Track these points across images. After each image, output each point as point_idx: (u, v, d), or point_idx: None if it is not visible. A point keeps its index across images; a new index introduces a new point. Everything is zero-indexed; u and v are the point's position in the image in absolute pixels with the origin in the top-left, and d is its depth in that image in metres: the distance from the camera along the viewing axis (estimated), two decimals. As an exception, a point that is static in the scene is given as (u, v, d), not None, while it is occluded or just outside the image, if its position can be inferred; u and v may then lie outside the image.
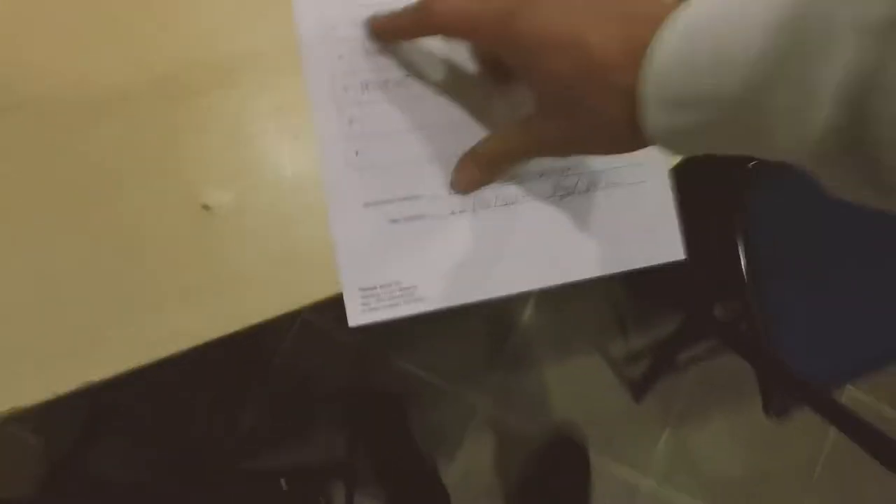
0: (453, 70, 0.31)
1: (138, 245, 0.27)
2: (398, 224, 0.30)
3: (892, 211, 0.21)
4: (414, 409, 0.91)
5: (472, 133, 0.31)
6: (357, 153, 0.30)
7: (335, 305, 0.29)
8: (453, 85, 0.31)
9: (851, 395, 1.02)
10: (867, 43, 0.18)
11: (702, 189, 0.36)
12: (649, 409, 0.97)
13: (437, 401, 0.93)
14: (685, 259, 0.33)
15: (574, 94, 0.25)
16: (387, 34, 0.30)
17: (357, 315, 0.29)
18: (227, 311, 0.27)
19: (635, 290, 1.01)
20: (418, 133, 0.30)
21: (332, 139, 0.29)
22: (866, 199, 0.21)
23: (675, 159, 0.33)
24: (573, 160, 0.32)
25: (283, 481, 0.74)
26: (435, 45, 0.31)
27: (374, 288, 0.29)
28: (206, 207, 0.28)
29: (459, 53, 0.31)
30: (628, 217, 0.33)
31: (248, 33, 0.29)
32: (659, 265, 0.33)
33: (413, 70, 0.31)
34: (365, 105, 0.30)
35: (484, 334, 0.96)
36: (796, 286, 0.66)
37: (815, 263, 0.68)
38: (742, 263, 0.64)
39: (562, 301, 0.97)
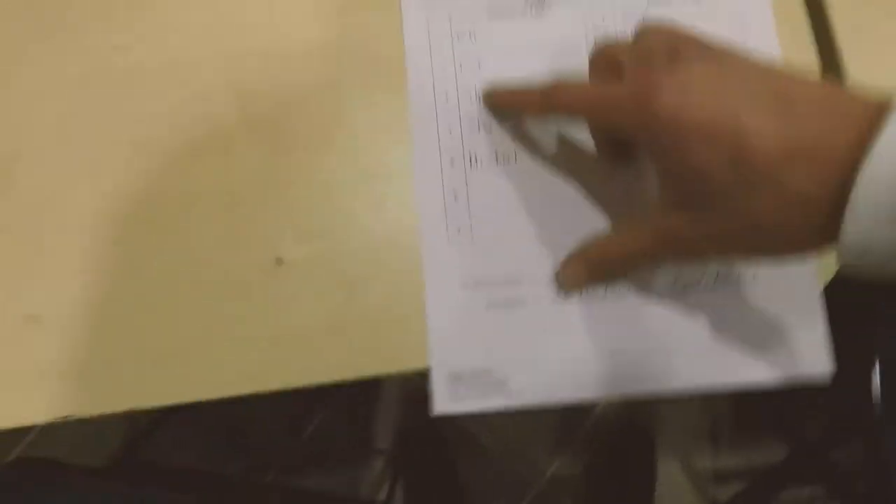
0: (567, 147, 0.29)
1: (211, 286, 0.27)
2: (496, 309, 0.28)
3: None
4: (468, 467, 0.87)
5: (584, 217, 0.28)
6: (459, 230, 0.28)
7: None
8: (567, 163, 0.29)
9: None
10: None
11: (835, 289, 0.29)
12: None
13: (490, 465, 0.88)
14: (831, 374, 0.28)
15: (731, 191, 0.21)
16: (506, 109, 0.29)
17: (444, 402, 0.27)
18: (288, 365, 0.27)
19: (739, 402, 0.89)
20: (525, 213, 0.28)
21: (433, 212, 0.28)
22: None
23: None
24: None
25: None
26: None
27: (465, 375, 0.27)
28: (279, 261, 0.27)
29: (575, 128, 0.29)
30: (763, 320, 0.28)
31: (361, 96, 0.29)
32: (794, 381, 0.28)
33: (525, 145, 0.29)
34: (471, 180, 0.29)
35: (559, 410, 0.90)
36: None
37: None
38: (875, 394, 0.48)
39: (653, 391, 0.89)
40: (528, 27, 0.30)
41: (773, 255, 0.23)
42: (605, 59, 0.26)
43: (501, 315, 0.28)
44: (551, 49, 0.30)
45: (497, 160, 0.29)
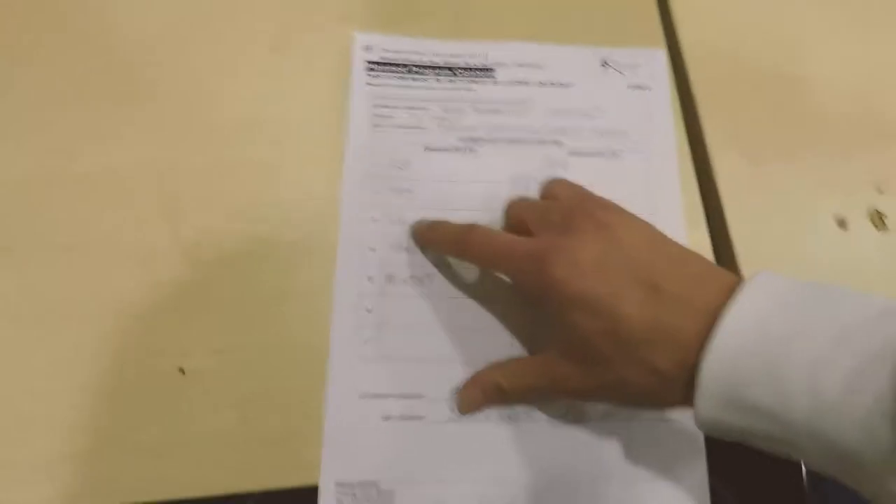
0: (483, 276, 0.31)
1: (114, 391, 0.28)
2: (390, 422, 0.29)
3: None
4: None
5: (490, 342, 0.30)
6: (367, 342, 0.30)
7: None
8: (478, 291, 0.31)
9: None
10: None
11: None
12: None
13: None
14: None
15: (606, 353, 0.25)
16: (427, 244, 0.31)
17: (329, 511, 0.28)
18: (185, 474, 0.27)
19: None
20: (434, 332, 0.30)
21: (345, 323, 0.30)
22: None
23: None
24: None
25: None
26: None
27: (353, 485, 0.28)
28: (181, 371, 0.29)
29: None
30: (647, 456, 0.29)
31: (290, 218, 0.32)
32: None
33: (442, 269, 0.31)
34: (387, 297, 0.31)
35: None
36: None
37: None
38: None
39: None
40: (459, 162, 0.34)
41: (648, 408, 0.27)
42: (515, 216, 0.30)
43: (396, 428, 0.29)
44: (478, 183, 0.33)
45: (412, 282, 0.31)
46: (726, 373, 0.22)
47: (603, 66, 0.36)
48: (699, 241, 0.33)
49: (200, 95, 0.34)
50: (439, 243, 0.31)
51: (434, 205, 0.32)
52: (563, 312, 0.25)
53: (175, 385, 0.29)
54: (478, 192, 0.33)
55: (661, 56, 0.37)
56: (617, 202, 0.33)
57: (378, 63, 0.35)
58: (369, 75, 0.35)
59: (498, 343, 0.30)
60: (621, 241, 0.25)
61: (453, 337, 0.30)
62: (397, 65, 0.35)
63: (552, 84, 0.36)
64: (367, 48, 0.35)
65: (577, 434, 0.29)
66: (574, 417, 0.29)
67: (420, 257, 0.32)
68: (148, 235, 0.31)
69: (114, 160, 0.32)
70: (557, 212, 0.27)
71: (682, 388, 0.23)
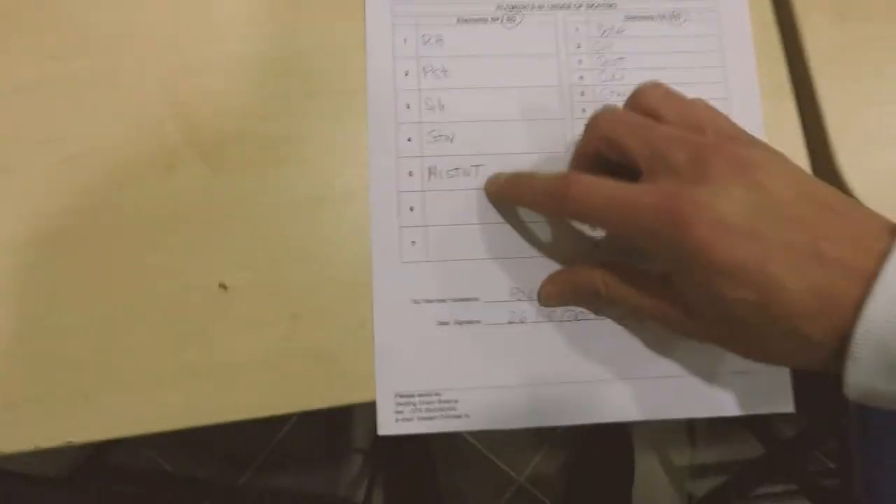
0: (539, 164, 0.28)
1: (152, 312, 0.26)
2: (447, 327, 0.27)
3: None
4: (446, 469, 0.86)
5: (548, 237, 0.27)
6: (413, 243, 0.27)
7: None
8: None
9: None
10: None
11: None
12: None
13: (469, 463, 0.87)
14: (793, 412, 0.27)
15: (752, 324, 0.21)
16: (510, 202, 0.27)
17: (389, 424, 0.26)
18: (233, 397, 0.25)
19: None
20: (484, 230, 0.27)
21: (387, 223, 0.27)
22: None
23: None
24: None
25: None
26: (512, 131, 0.28)
27: (413, 396, 0.26)
28: (222, 286, 0.26)
29: (540, 141, 0.28)
30: (728, 357, 0.27)
31: (316, 113, 0.28)
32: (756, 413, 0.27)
33: (489, 160, 0.28)
34: (428, 192, 0.27)
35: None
36: None
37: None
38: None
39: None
40: (497, 34, 0.29)
41: (777, 364, 0.24)
42: (611, 142, 0.24)
43: (453, 334, 0.27)
44: (522, 59, 0.29)
45: (458, 173, 0.28)
46: (885, 337, 0.19)
47: None
48: (784, 116, 0.29)
49: None
50: (529, 201, 0.26)
51: (474, 83, 0.28)
52: (704, 280, 0.21)
53: (215, 302, 0.26)
54: (523, 67, 0.29)
55: None
56: (683, 71, 0.29)
57: (396, -83, 0.30)
58: (387, -67, 0.29)
59: (558, 237, 0.27)
60: (770, 190, 0.21)
61: (506, 233, 0.27)
62: (419, -82, 0.30)
63: (602, -65, 0.30)
64: None
65: (637, 332, 0.27)
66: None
67: (464, 145, 0.28)
68: (165, 142, 0.27)
69: (110, 59, 0.28)
70: (679, 147, 0.22)
71: (832, 354, 0.21)
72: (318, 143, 0.28)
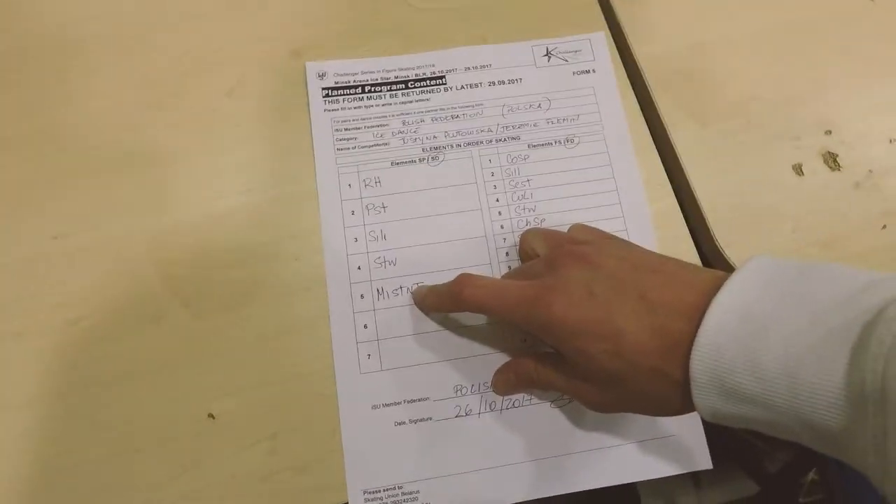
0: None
1: (146, 443, 0.30)
2: (404, 426, 0.31)
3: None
4: None
5: (480, 337, 0.32)
6: (369, 356, 0.32)
7: None
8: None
9: None
10: None
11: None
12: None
13: None
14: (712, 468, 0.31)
15: (617, 375, 0.26)
16: (428, 310, 0.33)
17: (361, 519, 0.30)
18: None
19: (712, 440, 0.90)
20: (427, 338, 0.32)
21: (346, 343, 0.32)
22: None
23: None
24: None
25: None
26: (444, 251, 0.34)
27: (378, 491, 0.30)
28: (211, 416, 0.30)
29: (468, 257, 0.34)
30: (647, 423, 0.31)
31: (280, 256, 0.33)
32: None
33: (427, 277, 0.33)
34: (380, 311, 0.33)
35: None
36: None
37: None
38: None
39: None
40: (425, 172, 0.35)
41: (665, 413, 0.28)
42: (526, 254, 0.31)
43: (409, 431, 0.31)
44: (447, 190, 0.35)
45: (401, 291, 0.33)
46: (712, 363, 0.23)
47: (546, 56, 0.38)
48: (668, 210, 0.35)
49: (169, 157, 0.35)
50: (438, 306, 0.32)
51: (409, 215, 0.34)
52: (568, 343, 0.26)
53: (205, 430, 0.30)
54: (448, 196, 0.35)
55: (601, 38, 0.38)
56: (581, 185, 0.35)
57: (333, 88, 0.36)
58: (326, 102, 0.36)
59: (491, 337, 0.32)
60: (602, 266, 0.27)
61: (447, 338, 0.32)
62: (352, 87, 0.36)
63: (501, 82, 0.37)
64: (321, 75, 0.37)
65: (577, 410, 0.31)
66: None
67: (403, 268, 0.33)
68: (149, 297, 0.32)
69: (103, 232, 0.33)
70: (538, 262, 0.29)
71: (679, 385, 0.24)
72: (281, 280, 0.33)
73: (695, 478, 0.91)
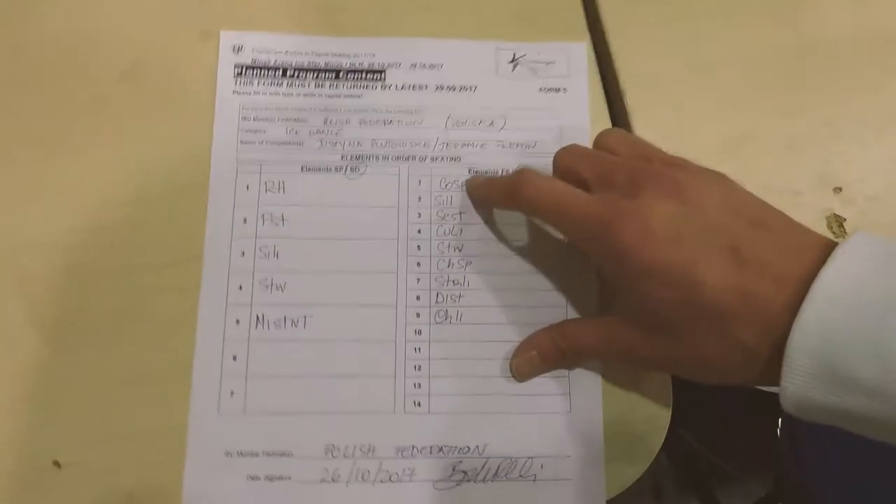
0: (364, 315, 0.28)
1: None
2: (257, 483, 0.26)
3: None
4: None
5: (369, 390, 0.27)
6: (232, 393, 0.27)
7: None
8: (360, 333, 0.28)
9: None
10: None
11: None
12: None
13: None
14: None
15: (682, 326, 0.23)
16: (480, 202, 0.29)
17: (190, 581, 0.26)
18: None
19: (681, 468, 0.87)
20: (305, 382, 0.27)
21: (208, 373, 0.27)
22: None
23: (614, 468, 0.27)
24: (481, 438, 0.27)
25: None
26: (345, 282, 0.28)
27: (215, 556, 0.26)
28: (56, 464, 0.26)
29: (373, 293, 0.28)
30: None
31: (153, 286, 0.28)
32: None
33: (319, 309, 0.28)
34: (255, 342, 0.28)
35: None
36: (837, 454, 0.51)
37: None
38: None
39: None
40: (340, 184, 0.29)
41: (718, 381, 0.24)
42: (567, 168, 0.27)
43: (262, 490, 0.26)
44: (361, 210, 0.29)
45: (286, 322, 0.28)
46: (820, 346, 0.20)
47: (512, 63, 0.31)
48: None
49: (43, 152, 0.29)
50: (489, 198, 0.29)
51: (311, 234, 0.29)
52: (634, 281, 0.24)
53: (50, 479, 0.26)
54: (362, 217, 0.29)
55: (581, 50, 0.32)
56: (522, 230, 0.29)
57: (248, 67, 0.30)
58: (237, 81, 0.30)
59: (379, 390, 0.27)
60: (696, 202, 0.23)
61: (328, 386, 0.27)
62: (271, 68, 0.30)
63: (451, 88, 0.31)
64: (237, 49, 0.31)
65: (460, 497, 0.27)
66: (458, 479, 0.27)
67: (293, 295, 0.28)
68: (7, 320, 0.27)
69: None
70: (621, 170, 0.25)
71: (767, 364, 0.22)
72: (159, 312, 0.28)
73: (657, 496, 0.88)
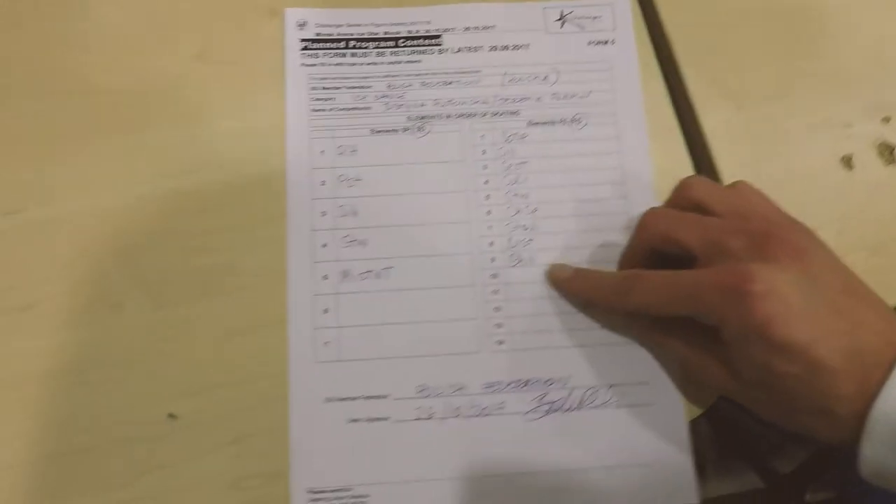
0: (442, 267, 0.30)
1: (106, 445, 0.27)
2: (358, 424, 0.28)
3: None
4: None
5: (454, 333, 0.29)
6: (327, 344, 0.29)
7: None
8: (440, 281, 0.29)
9: None
10: None
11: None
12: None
13: None
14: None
15: (789, 394, 0.23)
16: (573, 294, 0.29)
17: (303, 519, 0.28)
18: None
19: (723, 434, 0.88)
20: (393, 329, 0.29)
21: (302, 326, 0.29)
22: None
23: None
24: (563, 371, 0.29)
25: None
26: (421, 235, 0.30)
27: (325, 492, 0.27)
28: (171, 416, 0.28)
29: (446, 244, 0.30)
30: (626, 446, 0.28)
31: (244, 242, 0.30)
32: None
33: (399, 262, 0.30)
34: (342, 295, 0.29)
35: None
36: None
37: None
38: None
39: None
40: (408, 144, 0.31)
41: (794, 431, 0.25)
42: (664, 238, 0.26)
43: (363, 430, 0.28)
44: (430, 166, 0.31)
45: (370, 275, 0.30)
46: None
47: (559, 21, 0.33)
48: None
49: (133, 127, 0.31)
50: (593, 296, 0.28)
51: (385, 191, 0.30)
52: (761, 352, 0.23)
53: (166, 431, 0.28)
54: (431, 173, 0.31)
55: (625, 3, 0.33)
56: (584, 173, 0.31)
57: (313, 40, 0.32)
58: (304, 55, 0.32)
59: (463, 332, 0.29)
60: (819, 278, 0.23)
61: (415, 331, 0.29)
62: (334, 40, 0.32)
63: (505, 47, 0.33)
64: (301, 25, 0.32)
65: (549, 425, 0.28)
66: (546, 409, 0.29)
67: (375, 249, 0.30)
68: (108, 283, 0.29)
69: (58, 210, 0.30)
70: (737, 235, 0.24)
71: (849, 432, 0.22)
72: (248, 269, 0.29)
73: (700, 470, 0.88)
